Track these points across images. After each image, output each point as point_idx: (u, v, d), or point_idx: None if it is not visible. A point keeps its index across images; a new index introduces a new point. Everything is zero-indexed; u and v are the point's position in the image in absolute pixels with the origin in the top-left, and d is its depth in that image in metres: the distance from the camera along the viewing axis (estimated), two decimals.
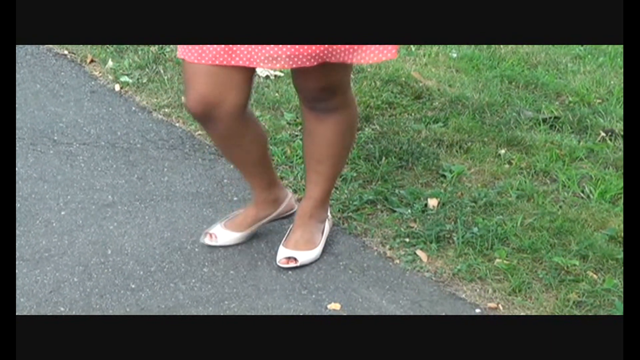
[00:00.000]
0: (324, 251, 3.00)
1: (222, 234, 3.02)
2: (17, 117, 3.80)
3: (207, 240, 3.02)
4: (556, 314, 2.78)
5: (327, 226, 3.05)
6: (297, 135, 3.70)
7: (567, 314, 2.77)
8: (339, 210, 3.23)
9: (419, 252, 3.05)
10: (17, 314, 2.64)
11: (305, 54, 2.52)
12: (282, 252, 2.96)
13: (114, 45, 4.51)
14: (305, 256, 2.95)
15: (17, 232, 3.03)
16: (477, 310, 2.80)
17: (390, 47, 2.58)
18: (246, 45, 2.53)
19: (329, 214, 3.06)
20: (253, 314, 2.72)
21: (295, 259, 2.94)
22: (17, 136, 3.64)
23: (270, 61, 2.53)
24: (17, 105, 3.90)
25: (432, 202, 3.29)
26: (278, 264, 2.94)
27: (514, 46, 4.93)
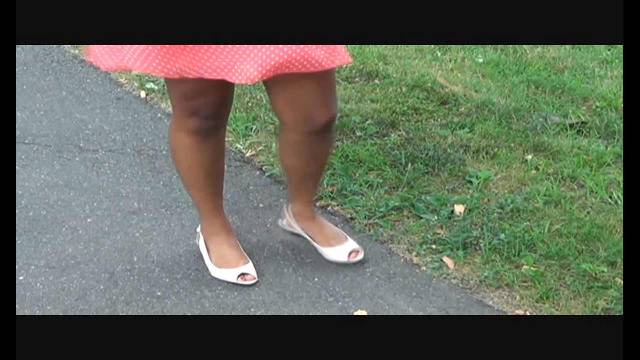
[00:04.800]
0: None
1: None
2: (43, 124, 3.82)
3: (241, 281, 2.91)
4: None
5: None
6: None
7: None
8: (365, 217, 3.22)
9: (445, 258, 3.03)
10: None
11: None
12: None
13: None
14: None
15: (44, 239, 3.04)
16: None
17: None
18: None
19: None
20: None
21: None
22: (43, 143, 3.66)
23: None
24: (43, 112, 3.93)
25: (459, 209, 3.27)
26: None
27: (540, 51, 4.90)
